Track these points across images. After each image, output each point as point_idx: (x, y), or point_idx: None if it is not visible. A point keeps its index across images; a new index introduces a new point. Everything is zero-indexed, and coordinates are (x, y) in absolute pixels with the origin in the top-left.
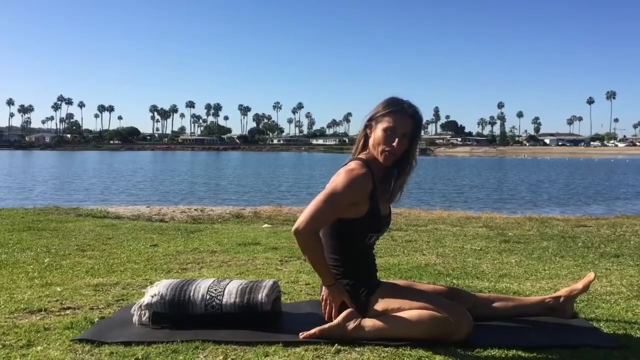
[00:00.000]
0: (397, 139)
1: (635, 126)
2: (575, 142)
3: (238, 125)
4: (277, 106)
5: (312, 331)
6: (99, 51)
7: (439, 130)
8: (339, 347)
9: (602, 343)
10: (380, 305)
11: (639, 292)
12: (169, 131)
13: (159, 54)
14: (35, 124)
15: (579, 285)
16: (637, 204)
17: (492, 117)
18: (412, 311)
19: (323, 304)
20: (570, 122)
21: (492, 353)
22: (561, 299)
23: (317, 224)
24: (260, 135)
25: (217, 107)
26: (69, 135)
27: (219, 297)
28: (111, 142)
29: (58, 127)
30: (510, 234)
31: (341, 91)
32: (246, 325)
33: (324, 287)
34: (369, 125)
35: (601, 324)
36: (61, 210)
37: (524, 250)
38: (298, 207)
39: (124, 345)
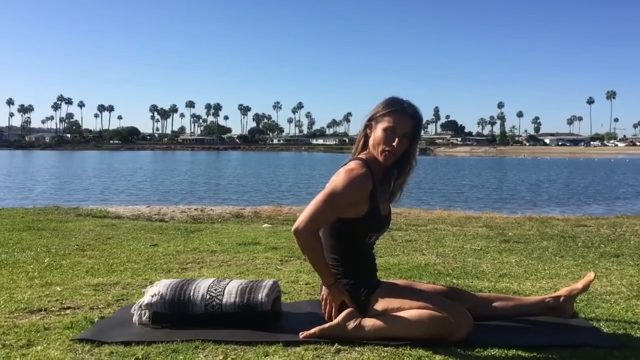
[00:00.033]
0: (397, 139)
1: (635, 126)
2: (575, 142)
3: (238, 125)
4: (277, 106)
5: (312, 331)
6: (99, 51)
7: (439, 130)
8: (339, 346)
9: (602, 343)
10: (380, 305)
11: (639, 292)
12: (169, 131)
13: (159, 54)
14: (35, 123)
15: (579, 285)
16: (637, 203)
17: (492, 117)
18: (412, 311)
19: (323, 303)
20: (570, 122)
21: (492, 353)
22: (561, 299)
23: (317, 224)
24: (260, 135)
25: (217, 107)
26: (68, 135)
27: (219, 297)
28: (111, 142)
29: (58, 127)
30: (510, 233)
31: (341, 91)
32: (246, 325)
33: (324, 287)
34: (369, 125)
35: (601, 324)
36: (61, 210)
37: (524, 250)
38: (298, 207)
39: (124, 345)
